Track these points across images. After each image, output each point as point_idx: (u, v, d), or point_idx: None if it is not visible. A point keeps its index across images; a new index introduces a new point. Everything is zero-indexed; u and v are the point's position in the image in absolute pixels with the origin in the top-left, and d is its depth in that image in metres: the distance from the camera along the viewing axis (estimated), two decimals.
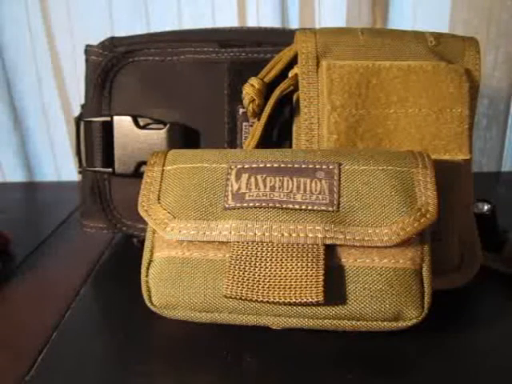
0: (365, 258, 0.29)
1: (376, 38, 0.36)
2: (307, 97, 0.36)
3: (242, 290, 0.28)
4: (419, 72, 0.35)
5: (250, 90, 0.36)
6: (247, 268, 0.29)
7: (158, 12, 0.64)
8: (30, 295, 0.38)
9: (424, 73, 0.35)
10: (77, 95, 0.67)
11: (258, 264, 0.29)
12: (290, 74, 0.37)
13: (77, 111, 0.57)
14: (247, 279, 0.29)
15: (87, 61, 0.42)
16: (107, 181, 0.42)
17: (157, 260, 0.32)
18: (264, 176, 0.31)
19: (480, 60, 0.36)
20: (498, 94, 0.67)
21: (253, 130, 0.37)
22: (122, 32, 0.45)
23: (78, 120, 0.44)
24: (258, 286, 0.28)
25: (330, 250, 0.29)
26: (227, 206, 0.31)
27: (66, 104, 0.69)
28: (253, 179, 0.31)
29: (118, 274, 0.41)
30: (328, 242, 0.29)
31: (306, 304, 0.28)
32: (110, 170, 0.41)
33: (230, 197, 0.31)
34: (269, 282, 0.29)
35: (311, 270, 0.28)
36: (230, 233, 0.30)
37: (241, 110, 0.39)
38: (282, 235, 0.29)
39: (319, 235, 0.29)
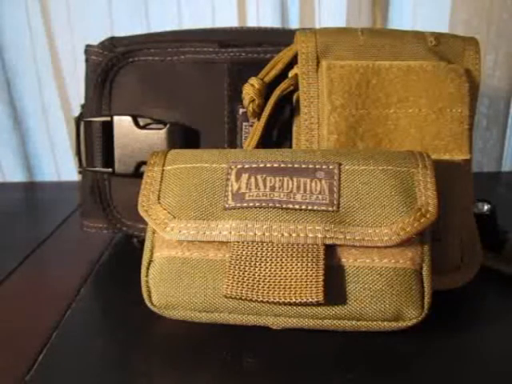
0: (365, 258, 0.29)
1: (376, 38, 0.36)
2: (307, 97, 0.36)
3: (242, 290, 0.28)
4: (419, 72, 0.35)
5: (250, 89, 0.36)
6: (247, 268, 0.29)
7: (158, 12, 0.64)
8: (30, 295, 0.38)
9: (424, 73, 0.35)
10: (77, 95, 0.67)
11: (258, 264, 0.29)
12: (290, 74, 0.37)
13: (77, 111, 0.57)
14: (247, 279, 0.29)
15: (87, 61, 0.42)
16: (107, 181, 0.42)
17: (157, 260, 0.32)
18: (264, 176, 0.31)
19: (480, 60, 0.36)
20: (498, 94, 0.67)
21: (253, 130, 0.37)
22: (121, 32, 0.45)
23: (78, 120, 0.44)
24: (258, 286, 0.28)
25: (330, 250, 0.29)
26: (227, 206, 0.31)
27: (65, 104, 0.69)
28: (253, 179, 0.31)
29: (118, 273, 0.41)
30: (328, 241, 0.29)
31: (305, 304, 0.28)
32: (109, 170, 0.41)
33: (229, 197, 0.31)
34: (269, 281, 0.29)
35: (311, 270, 0.28)
36: (230, 233, 0.30)
37: (241, 110, 0.39)
38: (282, 235, 0.29)
39: (319, 235, 0.29)
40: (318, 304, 0.28)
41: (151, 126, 0.40)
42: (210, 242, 0.31)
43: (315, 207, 0.30)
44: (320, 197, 0.30)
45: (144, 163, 0.39)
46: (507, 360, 0.29)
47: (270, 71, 0.37)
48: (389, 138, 0.35)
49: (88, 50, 0.41)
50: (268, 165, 0.32)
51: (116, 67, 0.40)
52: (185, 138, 0.40)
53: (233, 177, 0.32)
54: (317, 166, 0.31)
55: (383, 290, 0.29)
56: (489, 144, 0.70)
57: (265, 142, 0.37)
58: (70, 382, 0.28)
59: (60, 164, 0.72)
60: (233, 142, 0.40)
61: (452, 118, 0.34)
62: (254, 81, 0.36)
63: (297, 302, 0.28)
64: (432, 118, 0.35)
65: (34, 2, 0.64)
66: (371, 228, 0.29)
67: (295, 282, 0.28)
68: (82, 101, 0.44)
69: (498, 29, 0.64)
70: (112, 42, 0.41)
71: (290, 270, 0.29)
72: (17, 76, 0.67)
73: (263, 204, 0.30)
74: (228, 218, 0.31)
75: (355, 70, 0.35)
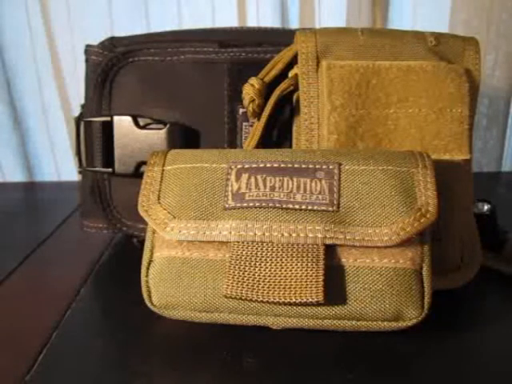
0: (365, 258, 0.29)
1: (376, 38, 0.36)
2: (307, 97, 0.36)
3: (242, 290, 0.28)
4: (419, 72, 0.35)
5: (250, 89, 0.36)
6: (247, 268, 0.29)
7: (158, 12, 0.64)
8: (29, 295, 0.38)
9: (424, 73, 0.35)
10: (77, 95, 0.67)
11: (258, 264, 0.29)
12: (290, 74, 0.37)
13: (77, 111, 0.57)
14: (247, 279, 0.29)
15: (87, 61, 0.42)
16: (107, 181, 0.42)
17: (157, 260, 0.32)
18: (264, 176, 0.31)
19: (480, 60, 0.36)
20: (498, 94, 0.67)
21: (253, 130, 0.37)
22: (122, 32, 0.45)
23: (78, 120, 0.44)
24: (258, 286, 0.28)
25: (330, 250, 0.29)
26: (227, 206, 0.31)
27: (65, 104, 0.69)
28: (253, 179, 0.31)
29: (118, 274, 0.41)
30: (328, 241, 0.29)
31: (305, 304, 0.28)
32: (110, 170, 0.41)
33: (229, 197, 0.31)
34: (269, 281, 0.29)
35: (311, 270, 0.28)
36: (230, 233, 0.30)
37: (241, 110, 0.39)
38: (282, 235, 0.29)
39: (319, 235, 0.29)
40: (317, 304, 0.28)
41: (151, 126, 0.40)
42: (210, 242, 0.31)
43: (315, 207, 0.30)
44: (320, 197, 0.30)
45: (144, 163, 0.39)
46: (507, 360, 0.29)
47: (270, 71, 0.37)
48: (389, 138, 0.35)
49: (88, 50, 0.41)
50: (268, 165, 0.32)
51: (116, 67, 0.40)
52: (185, 137, 0.40)
53: (233, 177, 0.32)
54: (317, 166, 0.31)
55: (383, 289, 0.29)
56: (489, 144, 0.70)
57: (265, 142, 0.37)
58: (69, 382, 0.28)
59: (60, 164, 0.72)
60: (233, 142, 0.40)
61: (452, 118, 0.34)
62: (253, 81, 0.36)
63: (297, 302, 0.28)
64: (432, 117, 0.35)
65: (34, 2, 0.64)
66: (371, 228, 0.29)
67: (295, 282, 0.28)
68: (82, 101, 0.44)
69: (498, 29, 0.64)
70: (112, 42, 0.41)
71: (290, 270, 0.29)
72: (17, 76, 0.67)
73: (263, 204, 0.30)
74: (228, 217, 0.31)
75: (355, 70, 0.35)
